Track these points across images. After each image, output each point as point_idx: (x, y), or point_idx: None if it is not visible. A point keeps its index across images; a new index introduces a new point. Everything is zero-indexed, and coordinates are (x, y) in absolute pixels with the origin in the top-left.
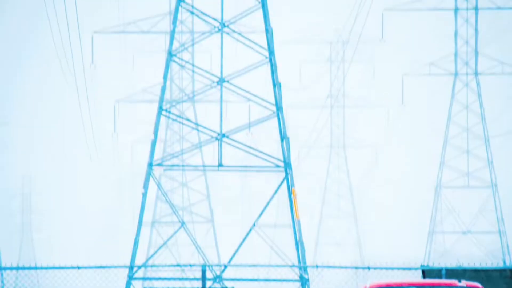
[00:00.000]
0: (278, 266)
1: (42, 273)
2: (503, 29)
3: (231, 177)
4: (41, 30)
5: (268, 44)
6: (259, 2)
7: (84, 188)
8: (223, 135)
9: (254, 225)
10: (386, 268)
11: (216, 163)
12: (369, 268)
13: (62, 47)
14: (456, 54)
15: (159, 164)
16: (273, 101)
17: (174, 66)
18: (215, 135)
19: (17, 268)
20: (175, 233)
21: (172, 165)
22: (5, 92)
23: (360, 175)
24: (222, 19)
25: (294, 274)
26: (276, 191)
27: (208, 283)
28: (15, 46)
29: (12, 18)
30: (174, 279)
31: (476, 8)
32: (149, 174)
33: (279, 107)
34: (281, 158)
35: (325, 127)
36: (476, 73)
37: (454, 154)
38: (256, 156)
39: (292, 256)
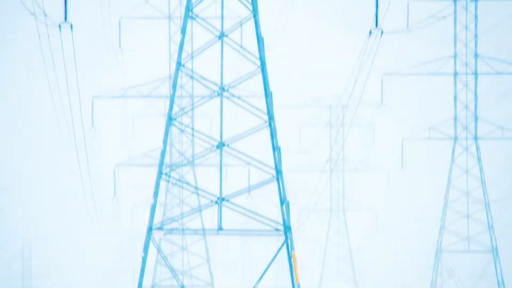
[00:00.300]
0: None
1: None
2: (503, 94)
3: (231, 240)
4: (41, 95)
5: (268, 108)
6: (259, 67)
7: (84, 252)
8: (223, 199)
9: None
10: None
11: (216, 227)
12: None
13: (62, 112)
14: (455, 119)
15: (159, 228)
16: (272, 165)
17: (174, 130)
18: (214, 199)
19: None
20: None
21: (172, 229)
22: (4, 157)
23: (360, 238)
24: (221, 83)
25: None
26: (276, 254)
27: None
28: (13, 110)
29: (12, 81)
30: None
31: (476, 73)
32: (148, 238)
33: (278, 171)
34: (281, 222)
35: (325, 191)
36: (475, 138)
37: (454, 218)
38: (256, 219)
39: None
